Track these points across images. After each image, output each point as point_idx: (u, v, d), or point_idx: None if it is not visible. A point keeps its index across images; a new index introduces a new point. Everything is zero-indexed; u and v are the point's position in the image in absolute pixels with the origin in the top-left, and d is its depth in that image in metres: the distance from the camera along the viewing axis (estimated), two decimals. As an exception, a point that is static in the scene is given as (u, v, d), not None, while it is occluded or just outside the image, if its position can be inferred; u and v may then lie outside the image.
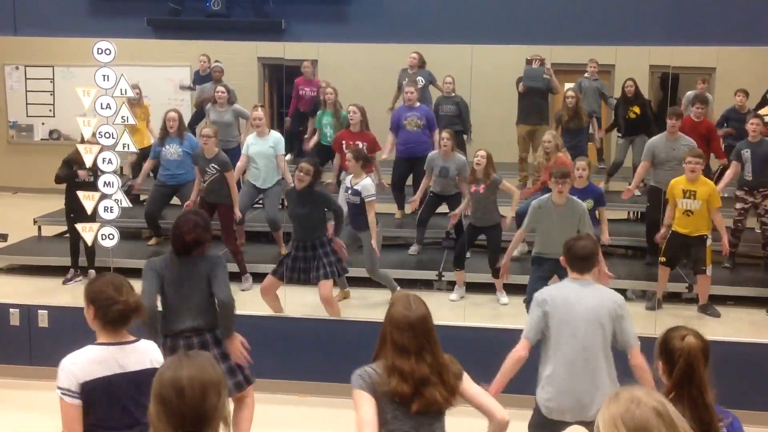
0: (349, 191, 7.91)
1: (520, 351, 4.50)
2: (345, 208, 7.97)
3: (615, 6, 9.04)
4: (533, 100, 10.71)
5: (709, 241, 7.94)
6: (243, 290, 8.52)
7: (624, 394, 2.20)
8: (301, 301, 7.86)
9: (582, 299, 4.51)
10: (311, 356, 6.90)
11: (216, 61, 11.43)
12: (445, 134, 9.09)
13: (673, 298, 8.55)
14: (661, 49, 10.79)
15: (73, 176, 8.66)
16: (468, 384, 3.54)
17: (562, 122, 10.04)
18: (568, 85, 11.12)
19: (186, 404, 2.30)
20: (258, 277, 8.39)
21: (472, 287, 8.65)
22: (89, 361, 3.55)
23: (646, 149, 8.95)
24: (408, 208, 10.07)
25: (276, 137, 9.25)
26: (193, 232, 5.03)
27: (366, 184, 7.84)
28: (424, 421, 3.44)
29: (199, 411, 2.30)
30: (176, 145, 9.41)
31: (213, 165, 8.65)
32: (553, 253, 6.37)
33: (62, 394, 3.58)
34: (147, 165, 9.85)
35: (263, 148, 9.15)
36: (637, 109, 10.66)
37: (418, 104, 9.89)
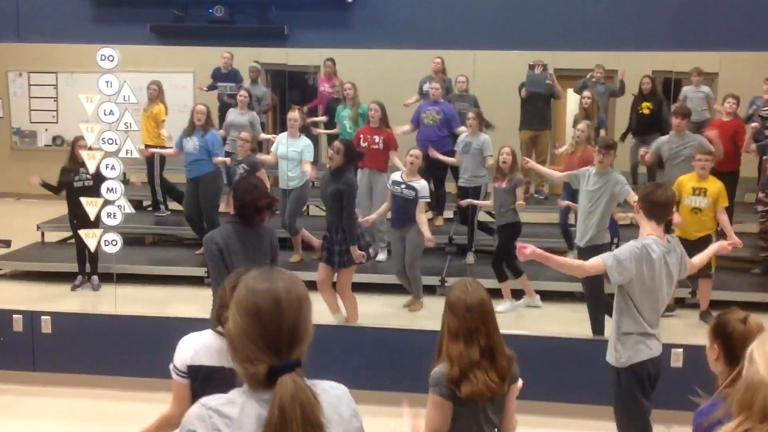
0: (403, 186, 7.89)
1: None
2: (378, 203, 8.03)
3: (617, 11, 9.05)
4: (536, 106, 10.72)
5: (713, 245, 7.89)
6: None
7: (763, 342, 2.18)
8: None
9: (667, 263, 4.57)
10: (317, 359, 6.88)
11: (255, 61, 11.46)
12: (471, 114, 9.29)
13: (676, 303, 8.50)
14: (664, 54, 10.80)
15: (70, 182, 8.72)
16: (513, 392, 3.55)
17: (578, 122, 10.04)
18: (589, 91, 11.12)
19: (284, 318, 2.07)
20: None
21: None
22: (204, 347, 3.54)
23: (653, 146, 8.91)
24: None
25: (306, 142, 9.29)
26: (265, 197, 5.03)
27: (424, 184, 7.94)
28: (482, 407, 3.43)
29: (295, 326, 2.09)
30: (197, 139, 9.45)
31: (243, 165, 8.69)
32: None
33: (173, 370, 3.60)
34: (167, 151, 10.16)
35: (291, 150, 9.18)
36: (650, 105, 10.65)
37: (441, 100, 9.92)
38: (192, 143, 9.46)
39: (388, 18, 9.75)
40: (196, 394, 3.37)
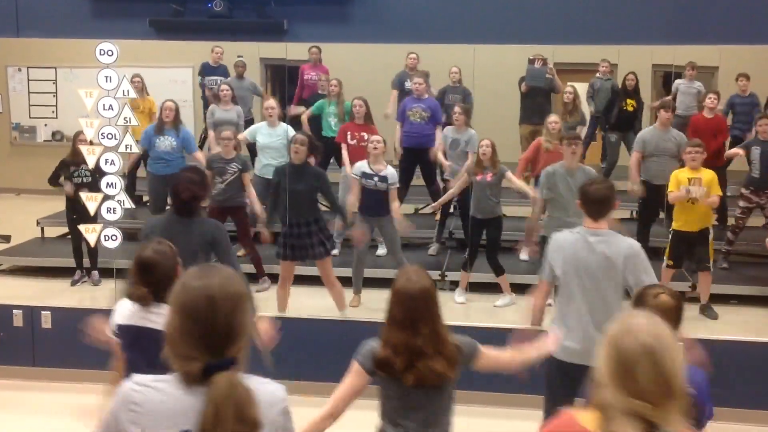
0: (375, 178, 7.82)
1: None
2: (347, 196, 7.99)
3: (617, 6, 9.04)
4: (536, 100, 10.69)
5: (711, 236, 7.93)
6: (258, 291, 8.40)
7: (626, 318, 2.15)
8: (306, 302, 7.86)
9: (594, 249, 4.55)
10: (316, 357, 6.89)
11: (239, 56, 11.40)
12: (457, 108, 9.25)
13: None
14: (664, 48, 10.80)
15: (58, 177, 8.73)
16: (486, 355, 3.61)
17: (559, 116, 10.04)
18: (582, 85, 11.11)
19: (218, 315, 2.06)
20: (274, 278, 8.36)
21: (480, 288, 8.65)
22: (126, 308, 3.91)
23: (636, 140, 8.91)
24: (429, 209, 10.14)
25: (285, 128, 9.19)
26: (188, 189, 5.00)
27: (392, 171, 7.88)
28: (425, 395, 3.46)
29: (230, 324, 2.08)
30: (171, 138, 9.28)
31: (235, 164, 8.51)
32: (569, 223, 5.97)
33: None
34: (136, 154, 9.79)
35: (274, 139, 9.13)
36: (633, 103, 10.68)
37: (425, 96, 9.90)
38: (168, 142, 9.28)
39: (387, 13, 9.76)
40: (126, 351, 3.87)
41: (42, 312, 7.13)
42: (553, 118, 8.86)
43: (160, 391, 2.11)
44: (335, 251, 8.24)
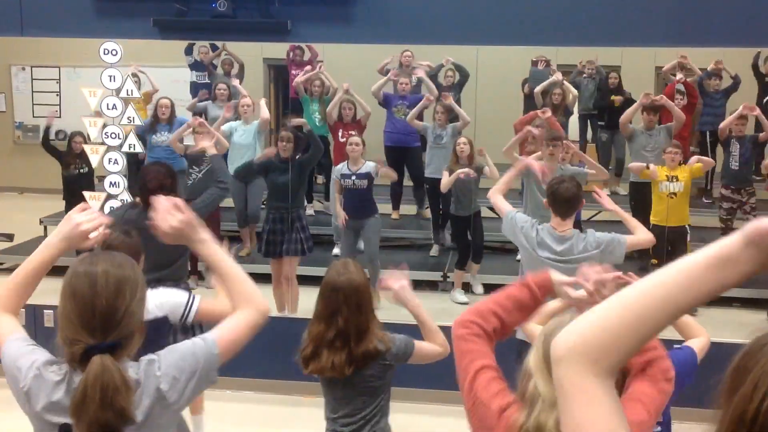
0: (353, 177, 7.77)
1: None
2: (336, 200, 7.99)
3: (620, 8, 9.06)
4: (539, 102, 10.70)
5: (688, 236, 8.03)
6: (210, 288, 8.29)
7: (557, 317, 2.19)
8: (304, 302, 7.88)
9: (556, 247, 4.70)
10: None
11: (226, 54, 11.40)
12: (439, 108, 9.23)
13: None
14: (667, 50, 10.81)
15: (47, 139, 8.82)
16: (419, 348, 3.50)
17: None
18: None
19: (98, 298, 2.11)
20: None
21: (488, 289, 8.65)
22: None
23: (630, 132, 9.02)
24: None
25: (255, 124, 9.08)
26: (155, 179, 4.98)
27: (370, 164, 7.83)
28: (339, 387, 3.45)
29: (111, 308, 2.11)
30: (166, 133, 9.20)
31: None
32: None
33: None
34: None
35: (245, 135, 9.03)
36: (619, 97, 10.72)
37: (410, 95, 9.91)
38: (163, 138, 9.15)
39: (390, 14, 9.77)
40: None
41: (44, 310, 7.15)
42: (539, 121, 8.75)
43: (49, 377, 2.18)
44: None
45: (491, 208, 8.05)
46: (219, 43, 11.32)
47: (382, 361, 3.39)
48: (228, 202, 9.06)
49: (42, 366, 2.20)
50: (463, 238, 8.45)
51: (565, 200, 4.68)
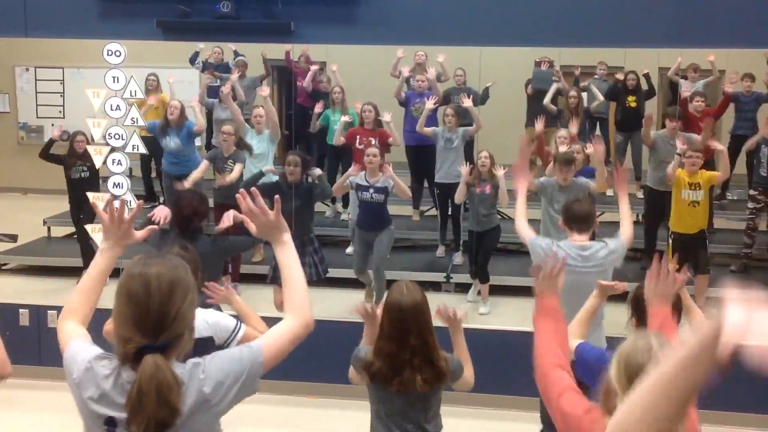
0: (371, 190, 7.69)
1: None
2: (353, 212, 7.92)
3: (624, 8, 9.04)
4: (542, 103, 10.69)
5: (707, 240, 8.01)
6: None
7: (638, 336, 2.36)
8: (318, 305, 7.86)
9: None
10: (320, 358, 6.91)
11: (241, 55, 11.41)
12: (449, 110, 9.20)
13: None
14: (670, 51, 10.79)
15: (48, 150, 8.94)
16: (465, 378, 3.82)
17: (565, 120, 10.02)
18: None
19: (152, 300, 2.19)
20: (257, 279, 8.38)
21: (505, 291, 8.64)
22: None
23: (652, 137, 8.89)
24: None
25: (267, 134, 9.05)
26: (189, 206, 5.18)
27: (386, 180, 7.66)
28: (410, 402, 3.61)
29: (164, 309, 2.19)
30: (175, 136, 9.32)
31: (234, 161, 8.58)
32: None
33: None
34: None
35: (258, 144, 9.02)
36: (635, 99, 10.69)
37: (428, 92, 9.90)
38: (174, 142, 9.31)
39: (394, 14, 9.75)
40: None
41: (48, 311, 7.17)
42: (563, 133, 8.58)
43: (99, 370, 2.27)
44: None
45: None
46: (236, 48, 11.39)
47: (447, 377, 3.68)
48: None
49: (93, 359, 2.30)
50: (478, 253, 8.36)
51: (580, 218, 5.06)
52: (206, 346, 3.73)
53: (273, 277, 7.36)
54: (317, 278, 7.44)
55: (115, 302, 2.28)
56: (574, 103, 10.09)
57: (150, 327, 2.19)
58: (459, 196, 8.26)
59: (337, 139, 8.75)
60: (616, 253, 5.06)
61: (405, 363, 3.53)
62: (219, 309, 4.39)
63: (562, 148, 8.16)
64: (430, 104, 9.25)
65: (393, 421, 3.66)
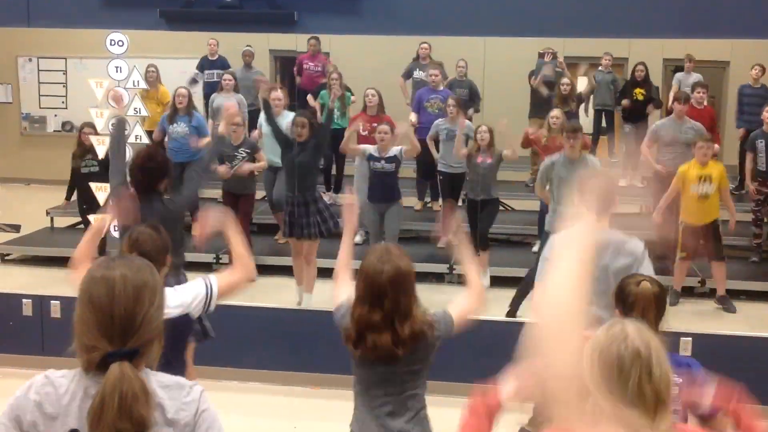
0: (382, 161, 7.83)
1: None
2: (360, 185, 8.02)
3: (628, -1, 9.01)
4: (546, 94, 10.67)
5: (720, 228, 7.95)
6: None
7: (613, 325, 2.03)
8: (319, 294, 7.88)
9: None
10: (324, 348, 6.90)
11: (247, 45, 11.34)
12: (451, 101, 9.26)
13: (684, 293, 8.45)
14: (675, 41, 10.76)
15: (77, 168, 8.85)
16: (459, 317, 3.62)
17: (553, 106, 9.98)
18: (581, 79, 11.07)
19: (116, 304, 2.05)
20: (265, 270, 8.37)
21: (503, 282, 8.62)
22: None
23: (650, 131, 8.90)
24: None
25: (289, 118, 9.12)
26: (151, 160, 5.27)
27: (397, 148, 7.88)
28: (383, 369, 3.43)
29: (130, 314, 2.05)
30: (184, 124, 9.33)
31: (243, 149, 8.55)
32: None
33: None
34: (154, 136, 9.62)
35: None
36: (643, 92, 10.65)
37: (441, 87, 9.86)
38: (181, 128, 9.31)
39: (397, 5, 9.77)
40: None
41: (51, 301, 7.15)
42: (555, 113, 8.80)
43: (58, 387, 2.13)
44: (358, 238, 8.36)
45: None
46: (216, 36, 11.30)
47: (430, 342, 3.43)
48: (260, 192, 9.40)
49: (50, 372, 2.17)
50: (475, 223, 8.42)
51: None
52: (180, 323, 3.67)
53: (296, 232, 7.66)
54: (321, 236, 7.65)
55: (77, 308, 2.13)
56: (566, 90, 10.07)
57: (116, 333, 2.04)
58: (458, 147, 8.52)
59: (345, 146, 8.63)
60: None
61: (372, 327, 3.34)
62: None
63: (555, 128, 8.48)
64: (459, 133, 8.85)
65: (368, 393, 3.51)
